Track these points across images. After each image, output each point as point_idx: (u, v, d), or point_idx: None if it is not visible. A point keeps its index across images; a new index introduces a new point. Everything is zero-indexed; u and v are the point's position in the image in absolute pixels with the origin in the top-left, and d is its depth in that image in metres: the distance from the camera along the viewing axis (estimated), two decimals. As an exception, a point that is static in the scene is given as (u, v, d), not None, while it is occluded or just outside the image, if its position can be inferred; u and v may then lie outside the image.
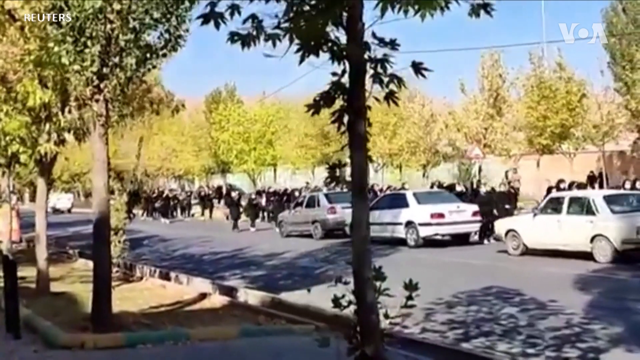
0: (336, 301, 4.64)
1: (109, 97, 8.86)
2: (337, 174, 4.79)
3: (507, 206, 22.07)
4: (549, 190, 24.54)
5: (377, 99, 4.62)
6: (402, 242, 20.53)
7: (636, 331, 8.83)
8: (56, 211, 50.37)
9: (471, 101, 33.42)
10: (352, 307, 4.56)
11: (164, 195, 45.23)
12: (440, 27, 27.43)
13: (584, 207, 16.37)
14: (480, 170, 32.04)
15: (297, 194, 33.99)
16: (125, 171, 44.86)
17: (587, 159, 32.32)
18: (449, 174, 38.97)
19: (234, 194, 34.32)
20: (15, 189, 24.56)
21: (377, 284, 4.60)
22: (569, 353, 7.86)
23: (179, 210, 44.66)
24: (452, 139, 35.36)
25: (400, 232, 20.85)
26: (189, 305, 11.50)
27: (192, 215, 44.36)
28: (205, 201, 42.74)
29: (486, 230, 20.76)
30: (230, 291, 12.49)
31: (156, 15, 8.82)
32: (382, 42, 4.45)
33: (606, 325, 9.02)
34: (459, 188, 27.60)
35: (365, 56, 4.46)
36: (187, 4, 9.03)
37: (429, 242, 20.46)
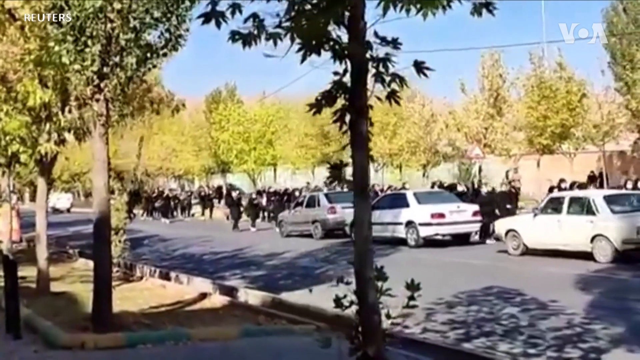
0: (338, 301, 4.62)
1: (109, 96, 8.84)
2: (339, 173, 4.77)
3: (508, 206, 22.05)
4: (551, 189, 24.54)
5: (379, 99, 4.61)
6: (403, 242, 20.51)
7: (637, 331, 8.82)
8: (55, 211, 50.34)
9: (471, 101, 33.42)
10: (354, 308, 4.53)
11: (164, 195, 45.22)
12: (440, 26, 27.45)
13: (584, 207, 16.36)
14: (480, 170, 32.03)
15: (297, 194, 33.98)
16: (125, 171, 44.81)
17: (587, 159, 32.32)
18: (449, 173, 38.98)
19: (234, 194, 34.31)
20: (15, 188, 24.55)
21: (379, 284, 4.58)
22: (570, 353, 7.84)
23: (179, 210, 44.66)
24: (452, 138, 35.36)
25: (401, 232, 20.84)
26: (189, 305, 11.48)
27: (193, 215, 44.36)
28: (206, 201, 42.74)
29: (488, 231, 20.73)
30: (230, 291, 12.48)
31: (157, 14, 8.80)
32: (384, 41, 4.43)
33: (607, 325, 9.01)
34: (460, 188, 27.58)
35: (367, 55, 4.45)
36: (187, 3, 9.02)
37: (429, 242, 20.44)
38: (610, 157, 34.21)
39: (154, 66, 9.32)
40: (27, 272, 12.77)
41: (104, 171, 9.07)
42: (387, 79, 4.49)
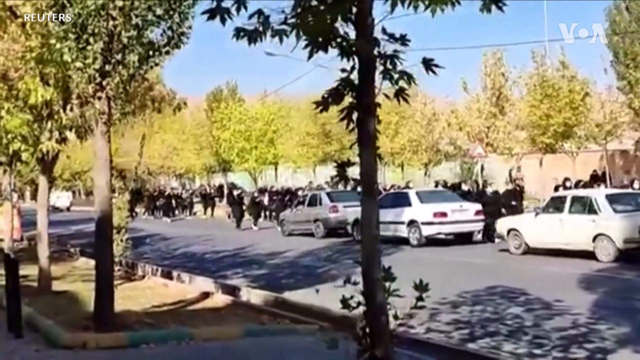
0: (345, 302, 4.55)
1: (111, 94, 8.78)
2: (344, 172, 4.71)
3: (513, 202, 21.99)
4: (557, 188, 24.50)
5: (387, 96, 4.54)
6: (405, 241, 20.46)
7: (643, 332, 8.76)
8: (55, 209, 50.30)
9: (474, 100, 33.31)
10: (361, 308, 4.47)
11: (166, 193, 45.17)
12: (442, 25, 27.36)
13: (586, 207, 16.31)
14: (482, 169, 31.96)
15: (300, 192, 33.94)
16: (127, 169, 44.78)
17: (590, 158, 32.23)
18: (451, 172, 38.93)
19: (236, 193, 34.27)
20: (16, 187, 24.51)
21: (386, 284, 4.51)
22: (576, 354, 7.78)
23: (180, 209, 44.61)
24: (454, 137, 35.28)
25: (403, 231, 20.77)
26: (191, 305, 11.42)
27: (194, 213, 44.33)
28: (207, 200, 42.70)
29: (493, 230, 20.64)
30: (232, 290, 12.42)
31: (159, 12, 8.74)
32: (392, 37, 4.36)
33: (613, 325, 8.95)
34: (464, 187, 27.49)
35: (375, 52, 4.38)
36: (190, 0, 8.97)
37: (432, 241, 20.39)
38: (612, 156, 34.12)
39: (156, 64, 9.26)
40: (28, 270, 12.72)
41: (105, 169, 9.01)
42: (395, 76, 4.42)
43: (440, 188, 27.85)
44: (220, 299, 11.72)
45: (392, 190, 28.23)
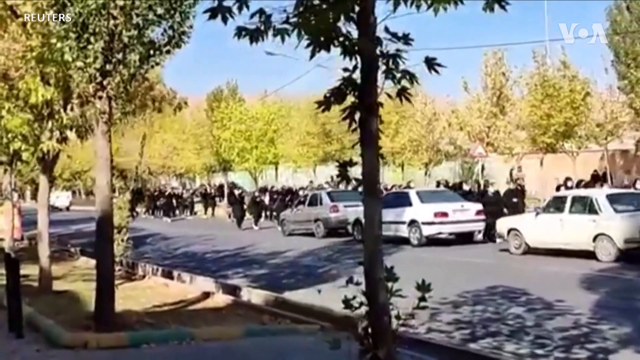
0: (347, 302, 4.53)
1: (112, 94, 8.75)
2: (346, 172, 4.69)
3: (514, 199, 21.97)
4: (558, 188, 24.47)
5: (389, 96, 4.52)
6: (405, 241, 20.45)
7: (645, 332, 8.75)
8: (55, 209, 50.28)
9: (474, 100, 33.31)
10: (364, 309, 4.45)
11: (167, 193, 45.16)
12: (443, 25, 27.31)
13: (586, 206, 16.30)
14: (483, 169, 31.94)
15: (301, 192, 33.93)
16: (127, 169, 44.79)
17: (590, 158, 32.21)
18: (451, 172, 38.90)
19: (237, 193, 34.27)
20: (16, 186, 24.50)
21: (389, 284, 4.49)
22: (578, 354, 7.76)
23: (181, 209, 44.59)
24: (455, 137, 35.27)
25: (404, 231, 20.76)
26: (192, 304, 11.41)
27: (195, 213, 44.31)
28: (208, 199, 42.69)
29: (494, 230, 20.61)
30: (233, 290, 12.41)
31: (160, 11, 8.72)
32: (394, 36, 4.34)
33: (615, 325, 8.94)
34: (466, 187, 27.48)
35: (377, 51, 4.36)
36: (191, 0, 8.95)
37: (432, 241, 20.37)
38: (613, 156, 34.10)
39: (157, 63, 9.23)
40: (29, 270, 12.70)
41: (106, 169, 9.00)
42: (398, 75, 4.40)
43: (441, 188, 27.83)
44: (221, 299, 11.70)
45: (393, 190, 28.21)
